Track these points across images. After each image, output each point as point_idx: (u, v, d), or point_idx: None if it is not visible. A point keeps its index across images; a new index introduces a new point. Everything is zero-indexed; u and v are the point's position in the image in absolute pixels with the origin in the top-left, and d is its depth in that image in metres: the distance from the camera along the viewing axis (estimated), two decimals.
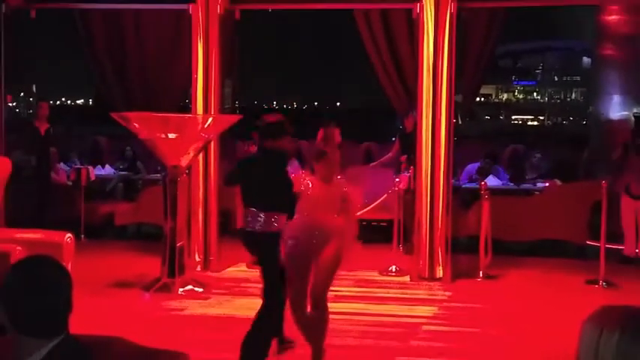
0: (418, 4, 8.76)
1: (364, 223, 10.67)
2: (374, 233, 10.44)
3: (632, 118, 11.15)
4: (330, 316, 7.25)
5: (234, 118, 8.93)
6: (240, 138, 10.82)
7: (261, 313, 5.76)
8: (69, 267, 7.21)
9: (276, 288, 5.82)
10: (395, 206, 9.51)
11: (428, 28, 8.75)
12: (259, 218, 5.93)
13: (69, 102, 24.02)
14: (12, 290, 2.55)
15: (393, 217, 9.50)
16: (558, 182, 11.09)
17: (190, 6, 9.11)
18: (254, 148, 6.69)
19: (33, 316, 2.53)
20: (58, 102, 21.52)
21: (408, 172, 9.87)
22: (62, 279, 2.59)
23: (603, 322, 2.17)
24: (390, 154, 11.54)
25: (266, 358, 5.73)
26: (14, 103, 16.16)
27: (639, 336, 2.11)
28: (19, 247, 6.45)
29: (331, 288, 8.20)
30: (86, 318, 6.98)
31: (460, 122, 9.82)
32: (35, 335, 2.52)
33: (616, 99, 12.27)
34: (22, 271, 2.60)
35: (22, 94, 18.99)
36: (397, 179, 9.71)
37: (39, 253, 2.72)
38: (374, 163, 11.95)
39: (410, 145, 9.86)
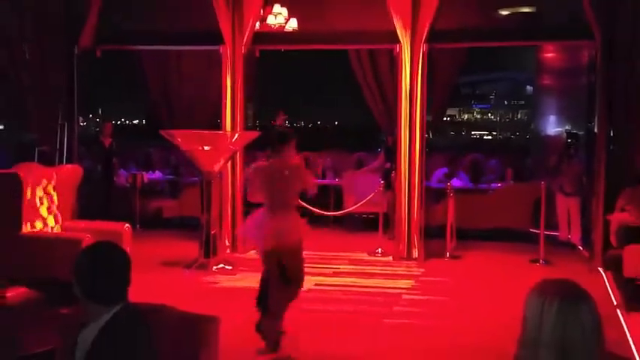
0: (398, 45, 8.76)
1: (356, 215, 10.75)
2: (364, 224, 10.46)
3: (565, 134, 11.15)
4: (329, 289, 7.30)
5: (254, 134, 8.93)
6: (260, 149, 10.78)
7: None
8: (127, 250, 7.23)
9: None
10: (380, 202, 9.50)
11: (405, 63, 8.76)
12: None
13: (127, 122, 24.05)
14: (83, 268, 2.56)
15: (378, 210, 9.49)
16: (509, 182, 11.08)
17: (220, 47, 9.11)
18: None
19: (100, 288, 2.54)
20: (118, 122, 21.52)
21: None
22: (122, 259, 2.60)
23: (546, 291, 2.17)
24: (376, 162, 11.52)
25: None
26: (84, 123, 16.16)
27: (576, 302, 2.11)
28: (88, 235, 6.47)
29: (332, 267, 8.28)
30: (140, 290, 6.98)
31: (431, 136, 9.82)
32: (101, 303, 2.52)
33: (552, 118, 12.29)
34: (91, 253, 2.62)
35: (90, 115, 18.99)
36: (382, 181, 9.68)
37: (101, 241, 2.73)
38: (363, 169, 11.90)
39: (392, 154, 9.88)
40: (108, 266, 2.55)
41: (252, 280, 7.58)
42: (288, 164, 5.36)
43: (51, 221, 7.18)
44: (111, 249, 2.64)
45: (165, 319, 2.80)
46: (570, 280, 2.22)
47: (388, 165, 10.65)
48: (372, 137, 11.73)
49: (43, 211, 7.12)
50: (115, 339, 2.47)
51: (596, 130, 8.85)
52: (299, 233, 5.39)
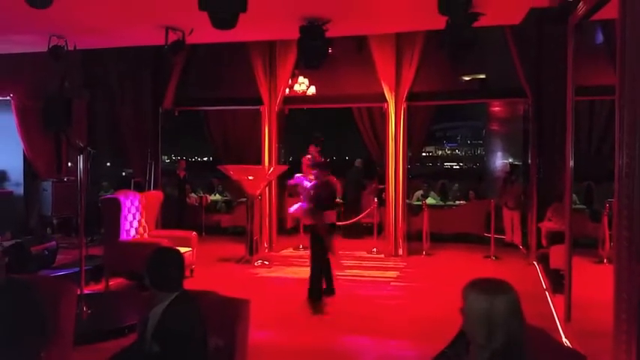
0: (386, 103, 8.78)
1: (359, 224, 10.66)
2: (364, 230, 10.40)
3: (508, 165, 11.04)
4: (340, 277, 7.26)
5: (284, 167, 8.98)
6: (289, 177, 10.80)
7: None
8: (194, 251, 7.25)
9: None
10: (375, 214, 9.46)
11: (391, 116, 8.76)
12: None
13: (197, 159, 24.28)
14: (152, 265, 2.60)
15: (373, 221, 9.45)
16: (473, 201, 10.93)
17: (261, 107, 9.21)
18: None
19: (163, 279, 2.57)
20: (191, 159, 21.70)
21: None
22: (178, 259, 2.64)
23: (475, 288, 2.11)
24: (372, 186, 11.41)
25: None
26: (168, 161, 16.34)
27: (497, 294, 2.06)
28: (166, 240, 6.47)
29: (342, 262, 8.25)
30: (203, 279, 7.01)
31: (410, 167, 9.79)
32: (164, 290, 2.56)
33: (499, 154, 12.19)
34: (158, 254, 2.65)
35: (173, 155, 19.22)
36: (376, 200, 9.65)
37: (166, 245, 2.78)
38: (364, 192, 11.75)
39: (382, 180, 9.85)
40: (167, 264, 2.60)
41: (283, 272, 7.65)
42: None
43: (141, 231, 7.24)
44: (170, 252, 2.68)
45: (211, 301, 2.81)
46: (495, 278, 2.17)
47: (381, 186, 10.61)
48: (369, 168, 11.64)
49: (136, 223, 7.21)
50: (174, 316, 2.51)
51: (529, 161, 8.79)
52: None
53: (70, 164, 9.89)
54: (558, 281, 6.08)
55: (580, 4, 4.66)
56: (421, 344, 4.75)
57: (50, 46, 6.47)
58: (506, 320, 2.03)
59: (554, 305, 5.79)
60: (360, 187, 10.75)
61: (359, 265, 8.16)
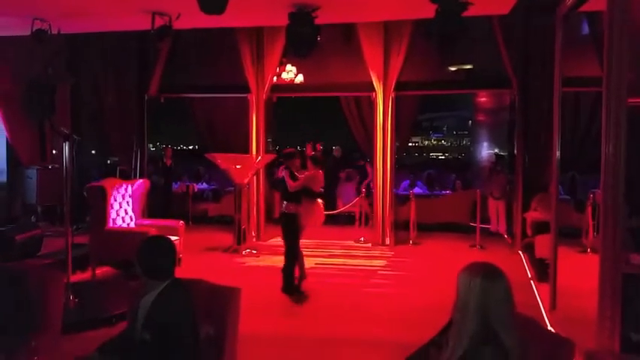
0: (374, 93, 8.77)
1: (347, 214, 10.67)
2: (351, 219, 10.41)
3: (493, 155, 11.12)
4: (326, 267, 7.30)
5: (272, 156, 8.94)
6: (276, 166, 10.77)
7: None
8: (182, 240, 7.21)
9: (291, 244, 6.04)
10: (362, 204, 9.48)
11: (379, 105, 8.76)
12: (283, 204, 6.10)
13: (183, 147, 24.03)
14: (144, 253, 2.58)
15: (362, 210, 9.46)
16: (459, 191, 11.00)
17: (248, 95, 9.14)
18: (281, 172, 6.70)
19: (155, 267, 2.56)
20: (177, 147, 21.47)
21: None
22: (169, 248, 2.62)
23: (472, 271, 2.16)
24: (356, 180, 11.35)
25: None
26: (153, 149, 16.12)
27: (493, 279, 2.11)
28: (153, 229, 6.43)
29: (328, 251, 8.27)
30: (191, 267, 6.99)
31: (397, 156, 9.78)
32: (155, 279, 2.55)
33: (485, 144, 12.27)
34: (148, 243, 2.63)
35: (157, 143, 18.98)
36: (364, 190, 9.68)
37: (158, 234, 2.75)
38: (352, 182, 11.69)
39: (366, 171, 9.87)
40: (158, 253, 2.58)
41: (270, 261, 7.64)
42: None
43: (127, 219, 7.18)
44: (161, 240, 2.66)
45: (202, 290, 2.81)
46: (490, 262, 2.21)
47: (370, 177, 10.61)
48: (355, 158, 11.58)
49: (122, 212, 7.14)
50: (166, 304, 2.50)
51: (515, 152, 8.86)
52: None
53: (54, 151, 9.73)
54: (543, 270, 6.17)
55: None
56: (409, 333, 4.77)
57: (33, 30, 6.33)
58: (498, 304, 2.07)
59: (539, 294, 5.87)
60: (334, 177, 10.69)
61: (346, 254, 8.18)
